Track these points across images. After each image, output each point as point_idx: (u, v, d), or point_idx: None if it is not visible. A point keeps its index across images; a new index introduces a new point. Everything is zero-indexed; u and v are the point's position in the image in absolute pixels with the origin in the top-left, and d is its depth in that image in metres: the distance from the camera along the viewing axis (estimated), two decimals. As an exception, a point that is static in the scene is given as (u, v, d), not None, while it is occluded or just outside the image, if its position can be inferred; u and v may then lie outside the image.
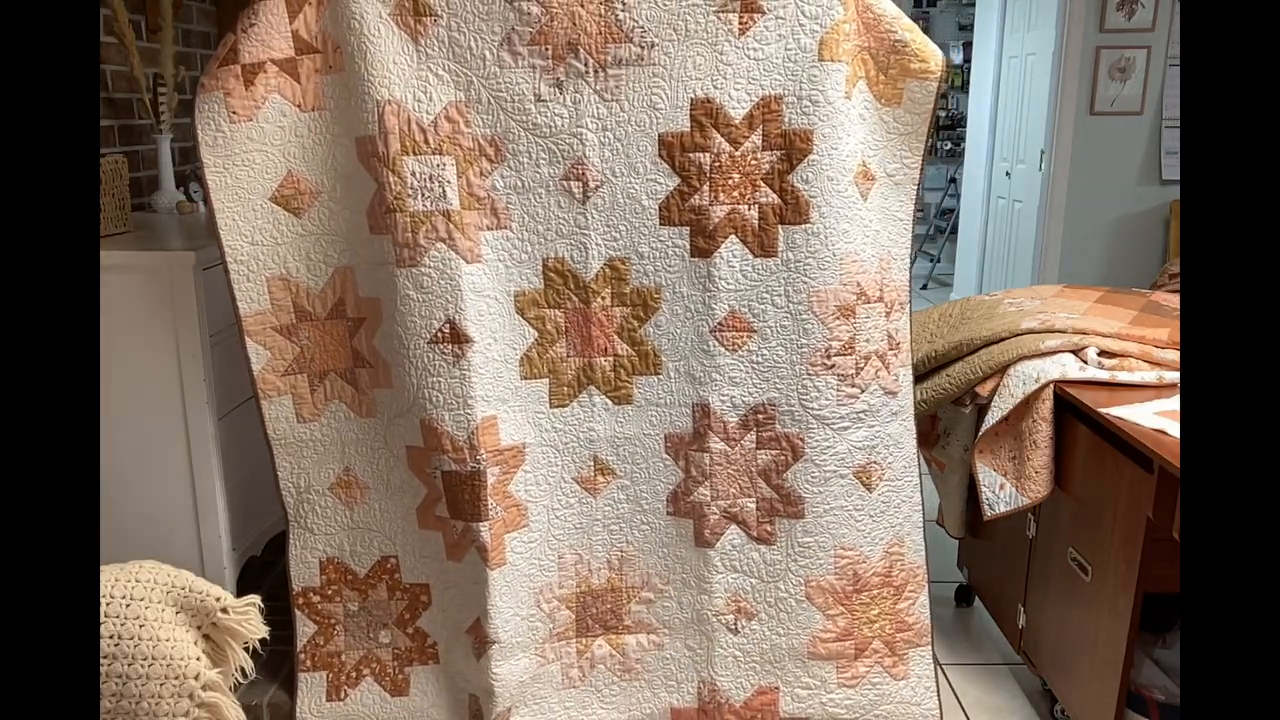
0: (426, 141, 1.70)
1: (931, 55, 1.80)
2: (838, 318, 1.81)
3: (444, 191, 1.71)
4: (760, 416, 1.84)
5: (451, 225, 1.72)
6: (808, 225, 1.77)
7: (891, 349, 1.89)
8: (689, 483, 1.88)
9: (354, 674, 1.98)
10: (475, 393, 1.76)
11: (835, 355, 1.83)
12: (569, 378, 1.85)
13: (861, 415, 1.86)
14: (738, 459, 1.85)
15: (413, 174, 1.70)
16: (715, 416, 1.84)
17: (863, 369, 1.85)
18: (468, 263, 1.74)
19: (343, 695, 1.97)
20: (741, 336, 1.83)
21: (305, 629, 1.98)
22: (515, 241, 1.77)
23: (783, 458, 1.85)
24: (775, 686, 1.89)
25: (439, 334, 1.74)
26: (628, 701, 1.93)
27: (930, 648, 1.98)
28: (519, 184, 1.75)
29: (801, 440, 1.84)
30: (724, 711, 1.89)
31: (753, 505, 1.87)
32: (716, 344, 1.83)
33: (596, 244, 1.78)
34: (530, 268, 1.78)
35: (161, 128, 2.56)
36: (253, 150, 1.76)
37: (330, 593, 1.97)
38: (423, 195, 1.71)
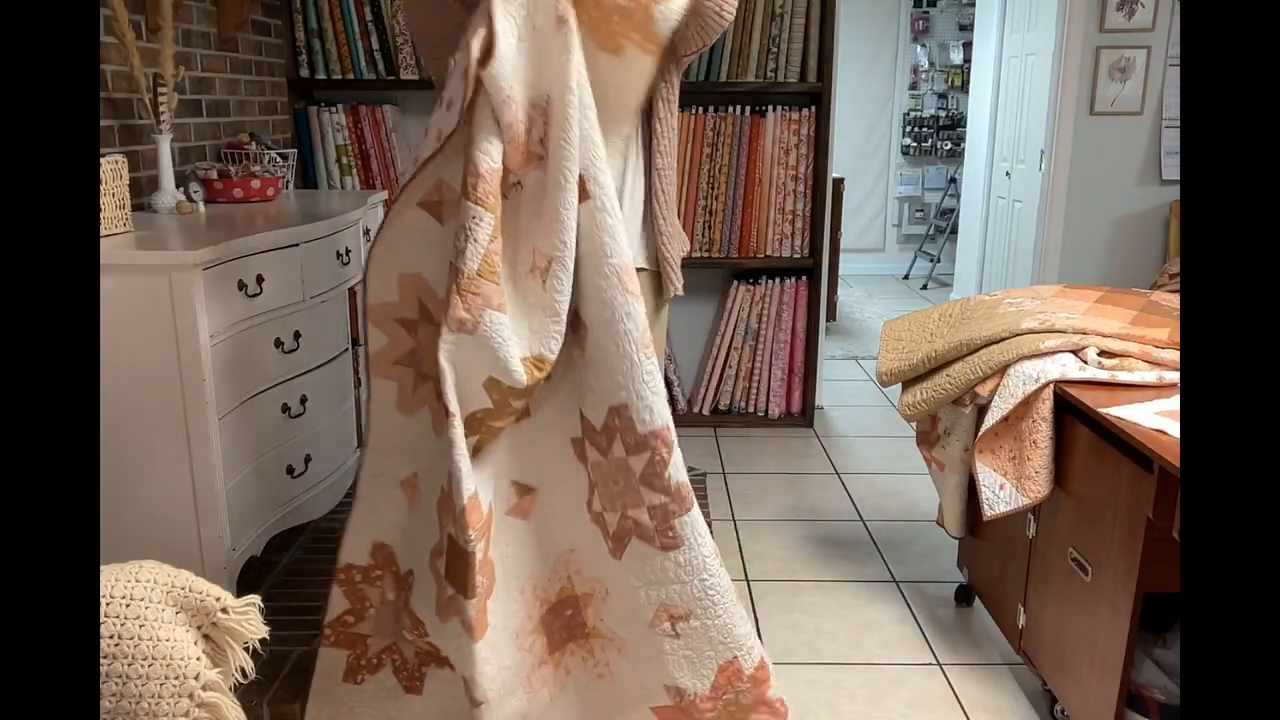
0: (475, 188, 1.60)
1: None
2: (637, 286, 1.69)
3: (465, 249, 1.60)
4: (618, 421, 1.72)
5: (455, 287, 1.60)
6: (589, 201, 1.64)
7: None
8: (590, 491, 1.81)
9: (375, 660, 1.95)
10: (462, 468, 1.66)
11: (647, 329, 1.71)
12: (499, 432, 1.77)
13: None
14: (612, 470, 1.75)
15: (460, 222, 1.61)
16: (588, 423, 1.76)
17: None
18: (451, 331, 1.62)
19: (359, 679, 1.94)
20: (582, 333, 1.72)
21: (338, 605, 1.94)
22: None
23: (659, 456, 1.72)
24: (733, 657, 1.81)
25: (441, 402, 1.66)
26: (607, 708, 1.88)
27: None
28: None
29: (668, 429, 1.71)
30: (698, 705, 1.83)
31: (646, 516, 1.74)
32: (577, 348, 1.74)
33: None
34: (515, 361, 1.65)
35: (161, 128, 2.56)
36: (427, 171, 1.73)
37: (374, 576, 1.93)
38: (454, 244, 1.62)
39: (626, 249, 1.68)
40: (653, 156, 2.03)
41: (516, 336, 1.65)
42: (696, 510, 1.77)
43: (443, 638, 1.86)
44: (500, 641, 1.81)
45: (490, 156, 1.60)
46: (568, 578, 1.87)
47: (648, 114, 2.04)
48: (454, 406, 1.64)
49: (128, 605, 1.32)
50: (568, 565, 1.87)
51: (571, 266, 1.64)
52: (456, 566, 1.73)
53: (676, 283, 2.09)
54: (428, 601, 1.87)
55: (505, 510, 1.82)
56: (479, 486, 1.72)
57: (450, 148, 1.69)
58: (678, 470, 1.73)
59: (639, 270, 2.04)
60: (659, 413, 1.70)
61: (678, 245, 2.07)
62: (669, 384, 4.06)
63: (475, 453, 1.73)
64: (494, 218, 1.60)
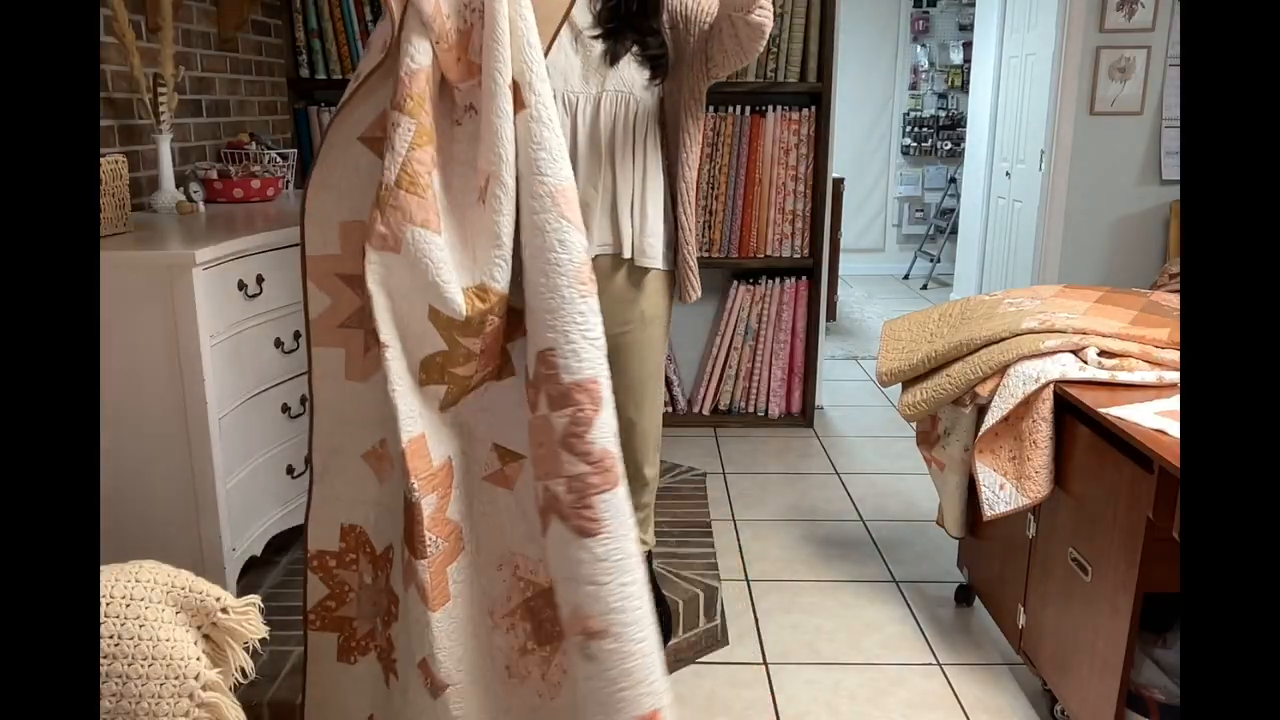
0: (397, 92, 1.43)
1: None
2: (576, 213, 1.47)
3: (385, 160, 1.44)
4: (545, 369, 1.49)
5: (376, 200, 1.46)
6: (525, 111, 1.45)
7: None
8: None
9: (363, 643, 1.82)
10: (399, 407, 1.50)
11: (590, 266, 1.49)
12: (470, 383, 1.61)
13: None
14: (537, 429, 1.53)
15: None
16: (527, 378, 1.56)
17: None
18: (375, 250, 1.47)
19: (353, 660, 1.81)
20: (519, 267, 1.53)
21: (316, 591, 1.79)
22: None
23: (583, 413, 1.47)
24: (654, 712, 1.50)
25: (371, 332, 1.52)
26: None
27: None
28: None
29: (596, 383, 1.47)
30: None
31: (564, 489, 1.49)
32: (521, 290, 1.53)
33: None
34: (452, 287, 1.47)
35: (161, 128, 2.56)
36: (364, 93, 1.55)
37: (348, 560, 1.78)
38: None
39: (566, 168, 1.47)
40: (680, 168, 2.05)
41: (460, 265, 1.48)
42: (623, 492, 1.50)
43: (407, 616, 1.70)
44: (472, 617, 1.65)
45: (413, 58, 1.43)
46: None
47: (673, 126, 2.05)
48: (385, 336, 1.49)
49: (128, 605, 1.32)
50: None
51: (511, 184, 1.45)
52: (407, 522, 1.58)
53: (696, 287, 2.11)
54: (401, 575, 1.73)
55: (482, 474, 1.65)
56: (433, 433, 1.57)
57: (390, 72, 1.52)
58: (603, 435, 1.48)
59: (656, 270, 2.06)
60: (589, 360, 1.47)
61: (695, 252, 2.09)
62: (669, 384, 4.06)
63: (448, 406, 1.59)
64: (414, 122, 1.43)
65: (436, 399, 1.59)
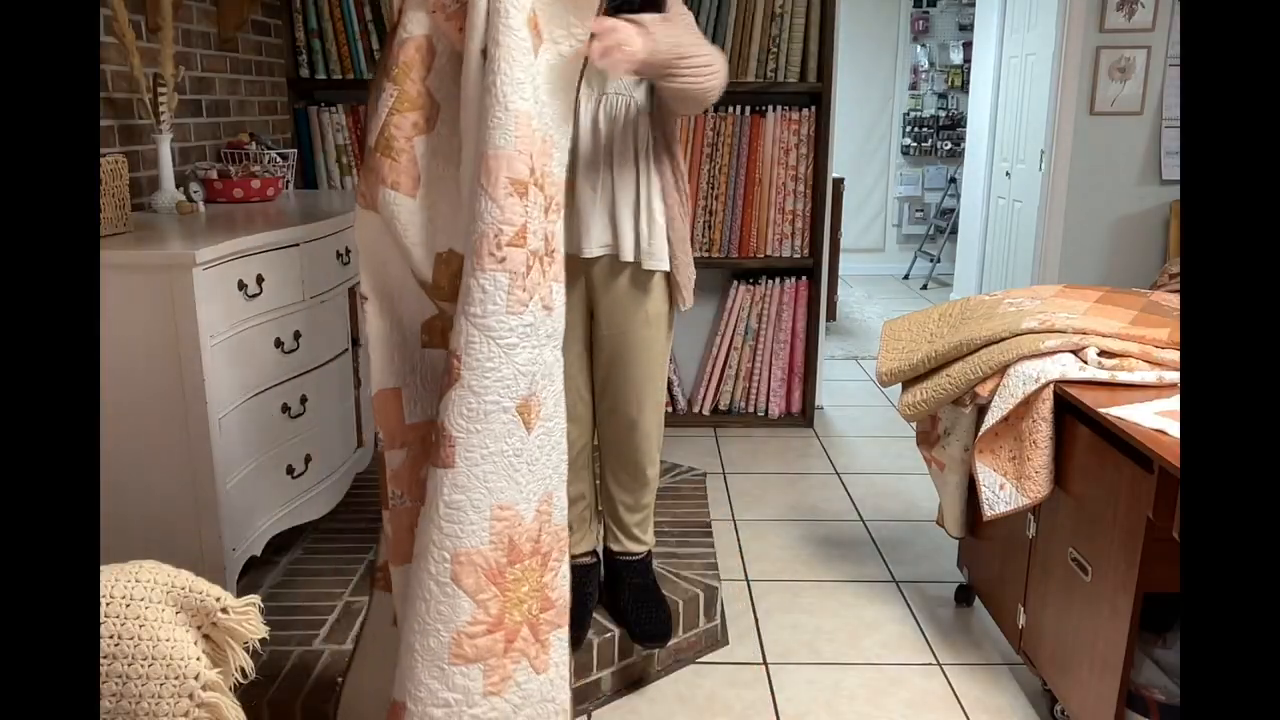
0: (385, 63, 1.47)
1: None
2: (510, 194, 1.41)
3: (371, 124, 1.48)
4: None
5: (360, 162, 1.54)
6: (484, 79, 1.43)
7: (548, 254, 1.52)
8: None
9: None
10: (373, 358, 1.52)
11: (507, 245, 1.41)
12: None
13: (527, 330, 1.46)
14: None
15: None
16: None
17: (532, 269, 1.46)
18: (363, 208, 1.51)
19: None
20: None
21: (385, 550, 1.76)
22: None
23: (445, 381, 1.47)
24: (402, 702, 1.48)
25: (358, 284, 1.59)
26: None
27: (567, 629, 1.62)
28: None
29: (458, 358, 1.42)
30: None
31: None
32: None
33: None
34: (419, 249, 1.51)
35: (161, 128, 2.56)
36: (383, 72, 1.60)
37: None
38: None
39: (501, 136, 1.41)
40: (677, 179, 2.05)
41: (441, 229, 1.50)
42: (456, 477, 1.44)
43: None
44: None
45: (406, 28, 1.46)
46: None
47: (665, 151, 2.05)
48: (364, 288, 1.54)
49: (128, 605, 1.31)
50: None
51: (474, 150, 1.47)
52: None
53: (688, 299, 2.12)
54: None
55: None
56: (418, 393, 1.57)
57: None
58: (449, 411, 1.44)
59: (661, 272, 2.06)
60: (457, 332, 1.43)
61: (689, 269, 2.09)
62: (669, 384, 4.06)
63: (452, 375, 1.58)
64: (396, 88, 1.46)
65: (441, 364, 1.59)
